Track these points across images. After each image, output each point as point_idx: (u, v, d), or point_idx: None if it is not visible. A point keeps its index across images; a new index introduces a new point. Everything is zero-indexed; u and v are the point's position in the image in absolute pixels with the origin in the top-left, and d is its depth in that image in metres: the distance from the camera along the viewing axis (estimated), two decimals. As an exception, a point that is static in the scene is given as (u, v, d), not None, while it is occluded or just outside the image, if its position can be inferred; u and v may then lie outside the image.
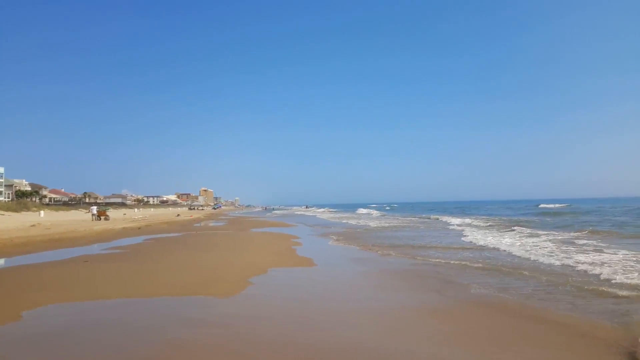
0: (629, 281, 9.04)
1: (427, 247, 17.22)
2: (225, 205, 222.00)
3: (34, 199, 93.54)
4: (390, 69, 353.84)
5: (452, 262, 12.62)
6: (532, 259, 12.76)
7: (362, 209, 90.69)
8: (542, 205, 79.88)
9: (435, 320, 6.76)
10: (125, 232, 27.86)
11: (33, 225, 32.10)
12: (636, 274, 9.81)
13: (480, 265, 11.87)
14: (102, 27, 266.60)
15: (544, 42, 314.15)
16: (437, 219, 43.12)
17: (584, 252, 14.12)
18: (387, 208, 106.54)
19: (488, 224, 32.33)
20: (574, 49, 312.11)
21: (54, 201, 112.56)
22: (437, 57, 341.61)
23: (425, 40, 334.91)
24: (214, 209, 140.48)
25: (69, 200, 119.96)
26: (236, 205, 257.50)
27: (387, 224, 35.43)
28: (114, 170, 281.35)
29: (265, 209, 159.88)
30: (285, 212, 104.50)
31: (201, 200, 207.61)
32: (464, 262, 12.41)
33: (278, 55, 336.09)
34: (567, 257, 12.79)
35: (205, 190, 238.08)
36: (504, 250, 15.04)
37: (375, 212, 72.13)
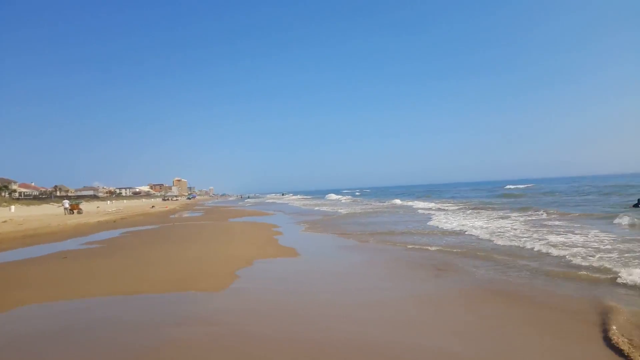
0: (605, 264, 9.15)
1: (403, 233, 17.22)
2: (199, 194, 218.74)
3: (3, 194, 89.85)
4: (356, 52, 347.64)
5: (432, 248, 12.58)
6: (507, 244, 12.71)
7: (333, 195, 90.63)
8: (507, 186, 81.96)
9: (440, 310, 6.63)
10: (100, 226, 27.01)
11: (4, 222, 30.76)
12: (615, 254, 10.03)
13: (460, 250, 11.89)
14: (69, 19, 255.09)
15: (507, 22, 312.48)
16: (406, 203, 43.33)
17: (557, 233, 14.38)
18: (357, 193, 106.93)
19: (458, 207, 32.75)
20: (538, 27, 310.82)
21: (24, 195, 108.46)
22: (403, 38, 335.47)
23: (392, 21, 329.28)
24: (189, 199, 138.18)
25: (39, 194, 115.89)
26: (211, 194, 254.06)
27: (360, 210, 35.42)
28: (84, 162, 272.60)
29: (241, 197, 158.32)
30: (260, 200, 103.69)
31: (175, 190, 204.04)
32: (445, 249, 12.38)
33: (246, 45, 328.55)
34: (541, 239, 12.97)
35: (178, 180, 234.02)
36: (478, 235, 15.05)
37: (347, 199, 72.19)
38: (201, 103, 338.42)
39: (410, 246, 13.18)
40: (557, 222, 17.93)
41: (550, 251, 10.92)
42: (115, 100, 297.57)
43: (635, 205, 24.60)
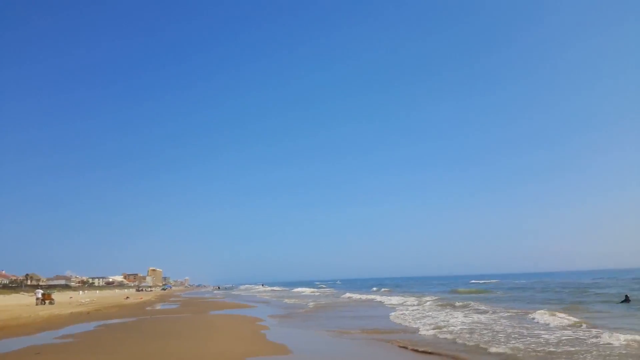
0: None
1: (386, 331, 15.61)
2: (174, 285, 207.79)
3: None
4: (342, 138, 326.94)
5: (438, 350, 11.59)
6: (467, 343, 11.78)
7: (301, 288, 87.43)
8: (472, 281, 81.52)
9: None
10: (74, 318, 24.62)
11: (-29, 312, 27.82)
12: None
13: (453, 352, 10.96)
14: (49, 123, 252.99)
15: (509, 100, 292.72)
16: (371, 297, 41.59)
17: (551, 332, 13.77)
18: (323, 286, 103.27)
19: (420, 302, 30.46)
20: (538, 109, 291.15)
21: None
22: (388, 125, 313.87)
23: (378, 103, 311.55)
24: (163, 289, 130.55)
25: (9, 283, 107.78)
26: (186, 285, 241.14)
27: (341, 303, 35.10)
28: (57, 250, 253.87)
29: (219, 288, 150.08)
30: (239, 292, 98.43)
31: (149, 280, 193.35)
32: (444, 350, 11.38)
33: (228, 135, 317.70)
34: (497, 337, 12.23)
35: (153, 270, 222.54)
36: (436, 334, 14.07)
37: (312, 291, 70.37)
38: (176, 191, 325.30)
39: (401, 346, 12.06)
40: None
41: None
42: (89, 186, 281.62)
43: (623, 301, 24.40)
